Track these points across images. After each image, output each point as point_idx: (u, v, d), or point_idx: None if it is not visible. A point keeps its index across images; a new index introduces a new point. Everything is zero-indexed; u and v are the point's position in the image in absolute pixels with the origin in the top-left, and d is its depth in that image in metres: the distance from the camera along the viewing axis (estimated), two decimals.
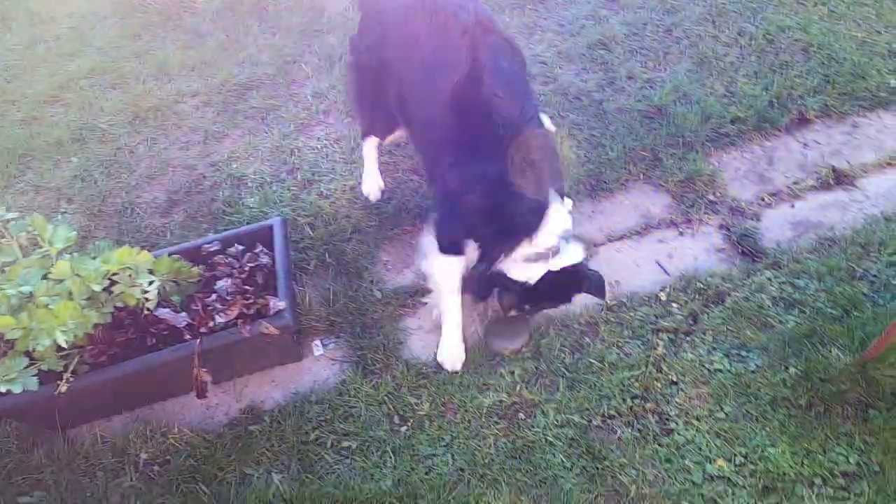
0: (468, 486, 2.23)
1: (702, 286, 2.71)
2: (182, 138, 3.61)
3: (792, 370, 2.31)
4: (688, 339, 2.54)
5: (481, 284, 2.44)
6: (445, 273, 2.52)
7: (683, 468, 2.17)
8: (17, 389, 2.04)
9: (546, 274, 2.31)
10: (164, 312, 2.37)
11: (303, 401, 2.56)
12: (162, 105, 3.78)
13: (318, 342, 2.80)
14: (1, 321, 2.15)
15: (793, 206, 3.05)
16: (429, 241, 2.52)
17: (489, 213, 2.30)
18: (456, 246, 2.45)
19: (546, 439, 2.31)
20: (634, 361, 2.48)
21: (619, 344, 2.56)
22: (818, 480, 2.05)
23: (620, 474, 2.18)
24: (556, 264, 2.31)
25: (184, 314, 2.39)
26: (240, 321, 2.37)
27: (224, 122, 3.66)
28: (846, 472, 2.06)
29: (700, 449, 2.20)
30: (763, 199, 3.09)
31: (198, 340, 2.32)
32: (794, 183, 3.14)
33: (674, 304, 2.67)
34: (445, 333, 2.60)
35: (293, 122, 3.60)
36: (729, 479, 2.11)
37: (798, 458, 2.10)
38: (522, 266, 2.32)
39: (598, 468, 2.21)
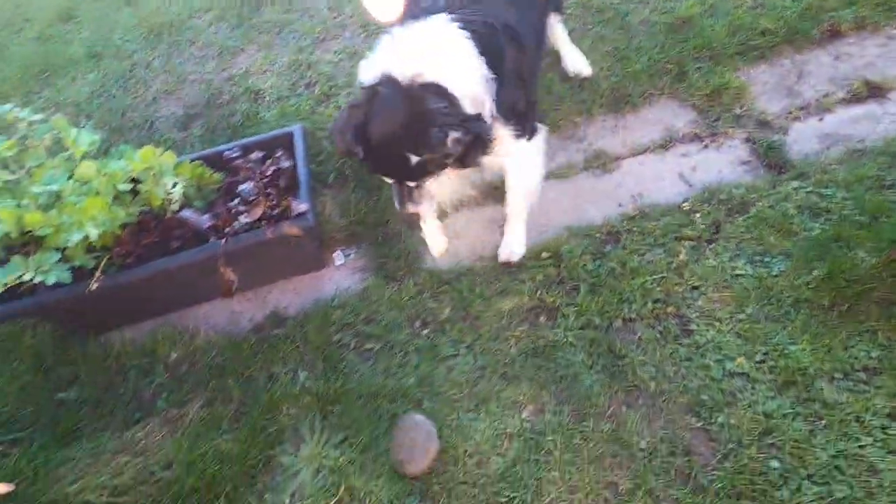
0: (489, 382, 2.28)
1: (725, 197, 2.67)
2: (197, 53, 3.56)
3: (816, 273, 2.30)
4: (710, 246, 2.53)
5: None
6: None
7: (703, 366, 2.19)
8: (50, 280, 2.09)
9: (376, 88, 1.80)
10: (188, 214, 2.39)
11: (325, 306, 2.60)
12: (176, 20, 3.71)
13: (339, 252, 2.83)
14: (31, 218, 2.18)
15: (822, 119, 2.97)
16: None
17: None
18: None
19: (567, 340, 2.34)
20: (656, 268, 2.48)
21: (641, 252, 2.55)
22: (838, 375, 2.07)
23: (640, 371, 2.21)
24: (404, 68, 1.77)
25: (207, 216, 2.41)
26: (263, 223, 2.39)
27: (239, 36, 3.59)
28: (867, 367, 2.07)
29: (720, 348, 2.22)
30: (791, 113, 3.01)
31: (222, 240, 2.34)
32: (825, 96, 3.05)
33: (696, 214, 2.64)
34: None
35: (309, 36, 3.53)
36: (748, 375, 2.14)
37: (819, 355, 2.11)
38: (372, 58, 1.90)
39: (618, 366, 2.24)
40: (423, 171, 1.86)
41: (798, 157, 2.81)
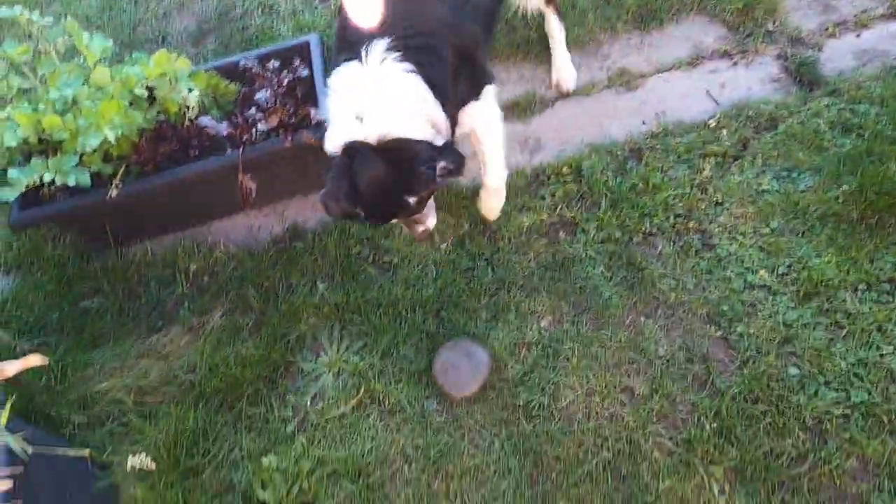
0: (508, 293, 2.28)
1: (753, 114, 2.59)
2: None
3: (845, 187, 2.25)
4: (736, 163, 2.47)
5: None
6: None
7: (724, 278, 2.18)
8: (70, 181, 2.09)
9: (353, 150, 1.80)
10: (205, 121, 2.36)
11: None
12: None
13: None
14: (48, 122, 2.16)
15: (859, 35, 2.84)
16: None
17: None
18: None
19: (587, 254, 2.32)
20: (679, 184, 2.44)
21: (664, 168, 2.50)
22: (862, 286, 2.05)
23: (660, 283, 2.20)
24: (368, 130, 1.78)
25: (224, 123, 2.38)
26: (281, 131, 2.35)
27: None
28: (893, 279, 2.05)
29: (742, 261, 2.20)
30: (827, 29, 2.88)
31: (240, 149, 2.32)
32: (863, 12, 2.90)
33: (723, 131, 2.57)
34: None
35: None
36: (770, 287, 2.13)
37: (843, 267, 2.09)
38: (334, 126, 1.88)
39: (637, 278, 2.23)
40: (422, 203, 1.95)
41: (832, 73, 2.71)
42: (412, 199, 1.86)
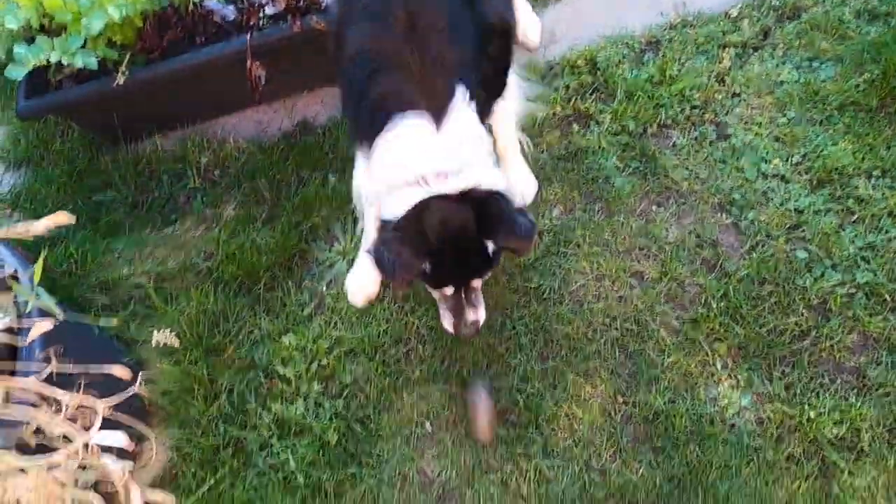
0: None
1: (777, 3, 2.51)
2: None
3: (867, 75, 2.20)
4: (756, 53, 2.41)
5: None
6: (362, 183, 2.04)
7: (737, 168, 2.18)
8: (78, 63, 2.05)
9: (427, 202, 1.58)
10: (211, 4, 2.29)
11: None
12: None
13: None
14: (51, 2, 2.10)
15: None
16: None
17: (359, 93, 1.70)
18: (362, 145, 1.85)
19: (600, 145, 2.31)
20: (696, 75, 2.39)
21: (682, 59, 2.44)
22: (877, 173, 2.06)
23: (673, 173, 2.20)
24: (451, 185, 1.58)
25: (232, 7, 2.31)
26: (289, 16, 2.28)
27: None
28: None
29: (756, 151, 2.19)
30: None
31: (248, 34, 2.26)
32: None
33: (744, 21, 2.49)
34: (359, 256, 2.16)
35: None
36: (783, 175, 2.13)
37: (859, 155, 2.08)
38: (399, 192, 1.62)
39: (650, 168, 2.23)
40: (492, 263, 1.73)
41: None
42: (490, 248, 1.66)
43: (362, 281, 2.11)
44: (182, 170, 2.56)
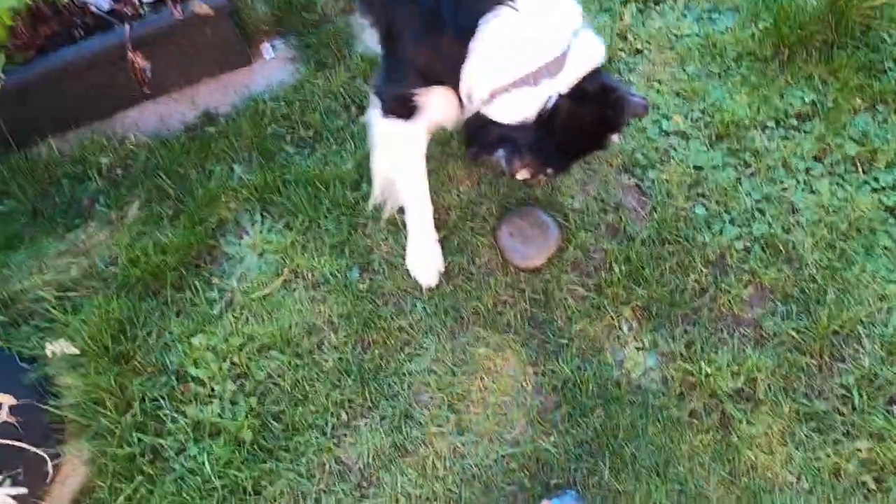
0: (428, 161, 2.25)
1: None
2: None
3: (761, 24, 2.20)
4: (657, 7, 2.39)
5: (471, 136, 1.70)
6: (396, 146, 1.86)
7: (640, 128, 2.17)
8: None
9: (555, 101, 1.48)
10: None
11: (257, 101, 2.48)
12: None
13: (266, 45, 2.64)
14: None
15: None
16: (372, 111, 1.87)
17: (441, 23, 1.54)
18: (406, 102, 1.72)
19: None
20: (599, 33, 2.32)
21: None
22: (771, 123, 2.07)
23: None
24: (566, 79, 1.49)
25: None
26: (169, 2, 2.17)
27: None
28: (800, 113, 2.07)
29: (658, 109, 2.19)
30: None
31: (127, 25, 2.14)
32: None
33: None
34: (412, 235, 2.04)
35: None
36: (684, 132, 2.13)
37: (755, 106, 2.09)
38: (513, 95, 1.51)
39: None
40: None
41: None
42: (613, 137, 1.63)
43: (428, 258, 2.01)
44: (82, 172, 2.46)
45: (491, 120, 1.56)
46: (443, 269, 2.01)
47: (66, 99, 2.40)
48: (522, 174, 1.66)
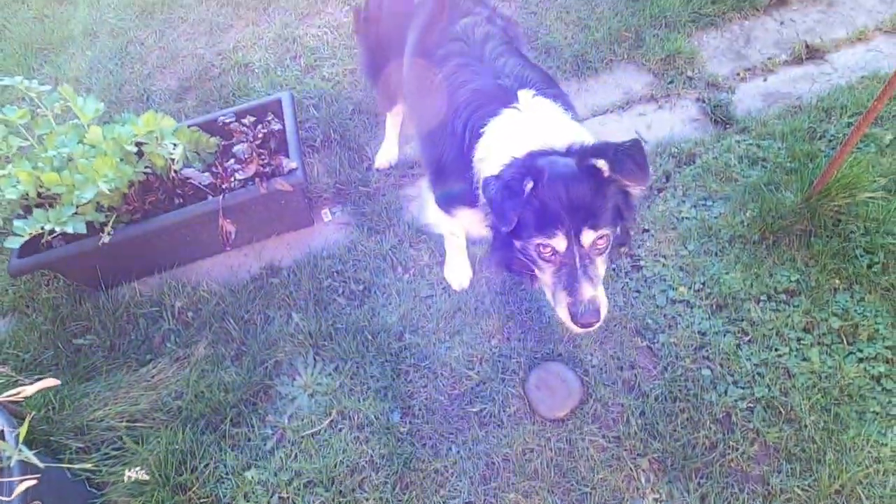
0: (464, 315, 2.57)
1: (676, 150, 2.96)
2: (188, 30, 3.77)
3: (749, 213, 2.60)
4: (660, 195, 2.82)
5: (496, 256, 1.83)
6: (442, 224, 2.38)
7: (650, 296, 2.49)
8: (69, 229, 2.34)
9: (532, 153, 1.63)
10: (189, 171, 2.64)
11: (316, 257, 2.87)
12: None
13: (327, 210, 3.09)
14: (47, 178, 2.43)
15: (765, 79, 3.25)
16: (427, 192, 2.31)
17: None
18: (448, 208, 2.15)
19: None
20: None
21: None
22: (763, 297, 2.38)
23: None
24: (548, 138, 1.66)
25: (206, 174, 2.67)
26: (257, 179, 2.64)
27: (227, 13, 3.81)
28: (787, 290, 2.38)
29: (665, 280, 2.52)
30: (738, 75, 3.29)
31: (220, 196, 2.60)
32: (769, 59, 3.33)
33: (649, 167, 2.92)
34: (448, 256, 2.66)
35: (293, 11, 3.75)
36: (688, 301, 2.44)
37: (748, 282, 2.42)
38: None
39: None
40: (606, 207, 1.59)
41: (742, 113, 3.10)
42: (632, 191, 1.63)
43: (459, 268, 2.62)
44: (158, 313, 2.80)
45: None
46: (472, 276, 2.59)
47: (156, 252, 2.82)
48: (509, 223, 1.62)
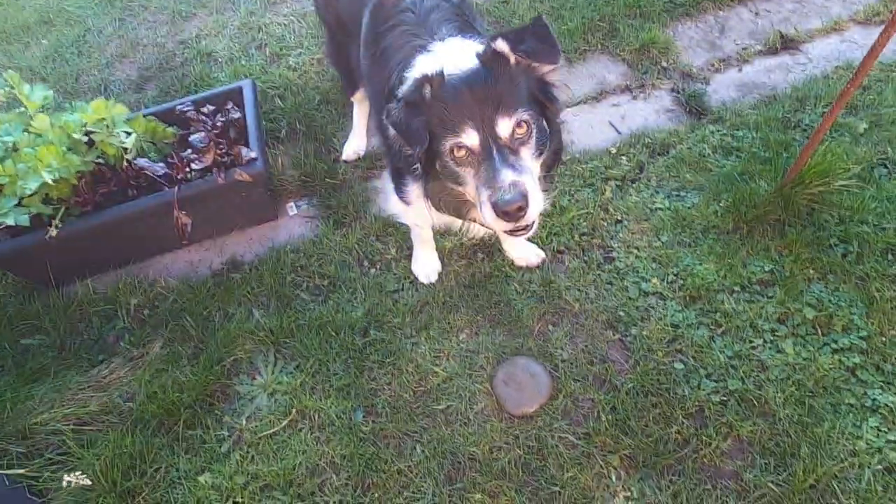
0: (431, 310, 2.47)
1: (650, 141, 2.90)
2: (150, 18, 3.64)
3: (723, 202, 2.54)
4: (633, 185, 2.75)
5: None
6: (404, 215, 2.32)
7: (622, 288, 2.42)
8: (10, 221, 2.21)
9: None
10: (142, 162, 2.52)
11: (279, 251, 2.76)
12: None
13: (291, 204, 2.98)
14: None
15: (740, 70, 3.21)
16: (386, 181, 2.29)
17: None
18: (401, 188, 2.08)
19: (502, 272, 2.54)
20: (584, 205, 2.70)
21: (571, 192, 2.76)
22: (737, 288, 2.32)
23: (566, 294, 2.43)
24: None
25: (161, 164, 2.54)
26: (215, 170, 2.53)
27: (190, 1, 3.68)
28: (762, 280, 2.32)
29: (637, 272, 2.45)
30: (713, 65, 3.24)
31: (176, 187, 2.48)
32: (744, 49, 3.29)
33: (623, 157, 2.86)
34: (416, 249, 2.58)
35: None
36: (661, 293, 2.37)
37: (721, 273, 2.36)
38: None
39: (546, 291, 2.45)
40: (518, 93, 1.48)
41: (717, 104, 3.05)
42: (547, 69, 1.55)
43: (427, 261, 2.55)
44: (112, 311, 2.67)
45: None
46: (440, 269, 2.54)
47: (109, 246, 2.68)
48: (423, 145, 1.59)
